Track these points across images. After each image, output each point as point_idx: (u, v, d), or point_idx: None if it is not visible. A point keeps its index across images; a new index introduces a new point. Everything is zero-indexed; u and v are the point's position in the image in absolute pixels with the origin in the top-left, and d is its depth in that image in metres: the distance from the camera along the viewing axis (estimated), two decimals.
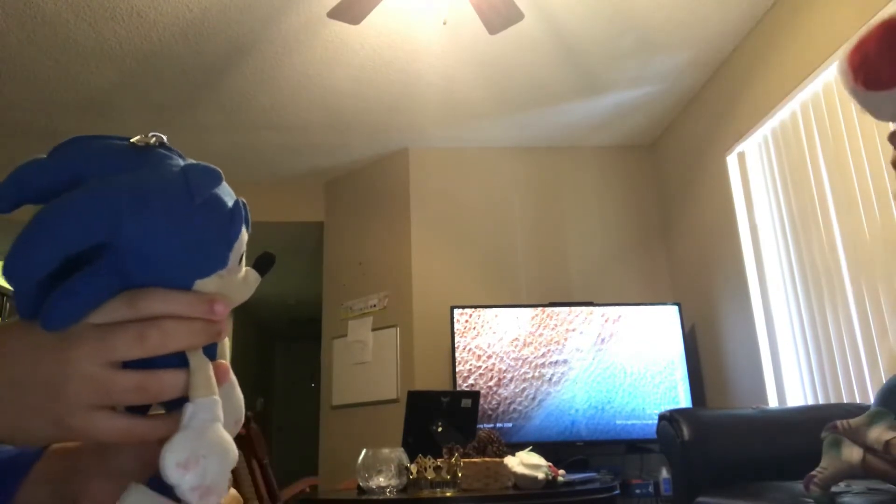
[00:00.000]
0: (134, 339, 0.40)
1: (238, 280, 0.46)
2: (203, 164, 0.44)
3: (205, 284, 0.43)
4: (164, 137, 0.45)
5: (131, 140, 0.44)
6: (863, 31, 0.98)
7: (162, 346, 0.41)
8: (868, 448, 1.54)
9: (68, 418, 0.40)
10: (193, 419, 0.42)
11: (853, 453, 1.55)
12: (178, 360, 0.43)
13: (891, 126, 1.02)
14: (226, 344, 0.51)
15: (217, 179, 0.44)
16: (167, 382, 0.42)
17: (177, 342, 0.42)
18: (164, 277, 0.42)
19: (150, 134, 0.44)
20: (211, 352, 0.45)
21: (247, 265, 0.48)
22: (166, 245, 0.41)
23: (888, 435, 1.51)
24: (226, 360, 0.47)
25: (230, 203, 0.44)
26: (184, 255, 0.42)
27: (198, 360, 0.43)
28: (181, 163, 0.44)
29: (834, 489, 1.63)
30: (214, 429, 0.43)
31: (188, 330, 0.42)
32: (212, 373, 0.44)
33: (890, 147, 1.03)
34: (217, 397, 0.44)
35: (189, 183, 0.42)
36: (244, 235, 0.45)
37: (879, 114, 0.98)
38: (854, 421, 1.60)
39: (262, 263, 0.49)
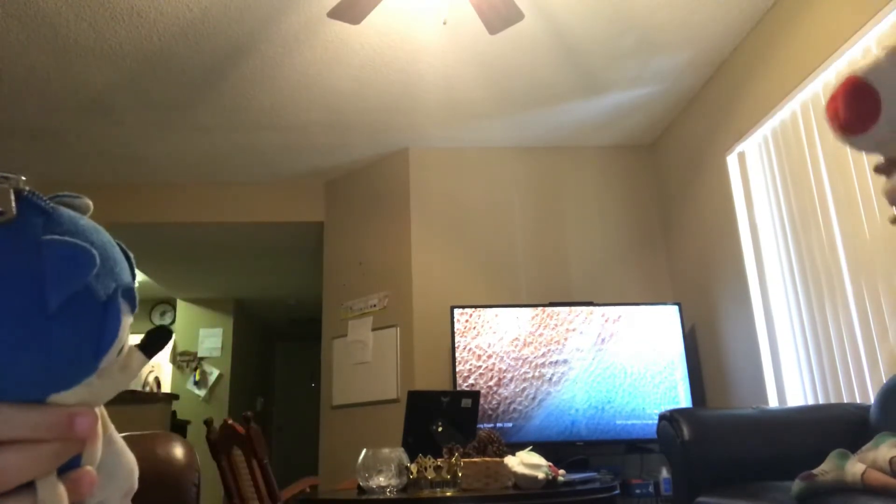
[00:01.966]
0: None
1: (114, 374, 0.36)
2: (67, 246, 0.33)
3: (65, 397, 0.34)
4: (21, 180, 0.33)
5: None
6: (834, 82, 1.09)
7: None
8: (873, 465, 1.59)
9: None
10: None
11: (856, 467, 1.60)
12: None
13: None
14: (97, 447, 0.38)
15: (84, 268, 0.33)
16: None
17: (19, 476, 0.32)
18: (9, 393, 0.32)
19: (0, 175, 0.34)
20: (74, 461, 0.35)
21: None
22: (12, 363, 0.31)
23: (893, 452, 1.56)
24: (92, 467, 0.37)
25: (104, 294, 0.34)
26: (37, 374, 0.32)
27: (47, 489, 0.33)
28: (36, 237, 0.32)
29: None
30: None
31: (34, 458, 0.33)
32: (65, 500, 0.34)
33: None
34: None
35: (44, 281, 0.31)
36: (123, 332, 0.36)
37: (864, 151, 1.09)
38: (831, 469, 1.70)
39: (152, 342, 0.39)
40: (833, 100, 1.15)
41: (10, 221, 0.32)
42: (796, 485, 1.70)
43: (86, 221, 0.38)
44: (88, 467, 0.36)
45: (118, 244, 0.41)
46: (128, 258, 0.39)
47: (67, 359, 0.33)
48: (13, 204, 0.32)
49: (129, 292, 0.36)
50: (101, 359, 0.34)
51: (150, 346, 0.38)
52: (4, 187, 0.32)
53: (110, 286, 0.34)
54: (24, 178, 0.33)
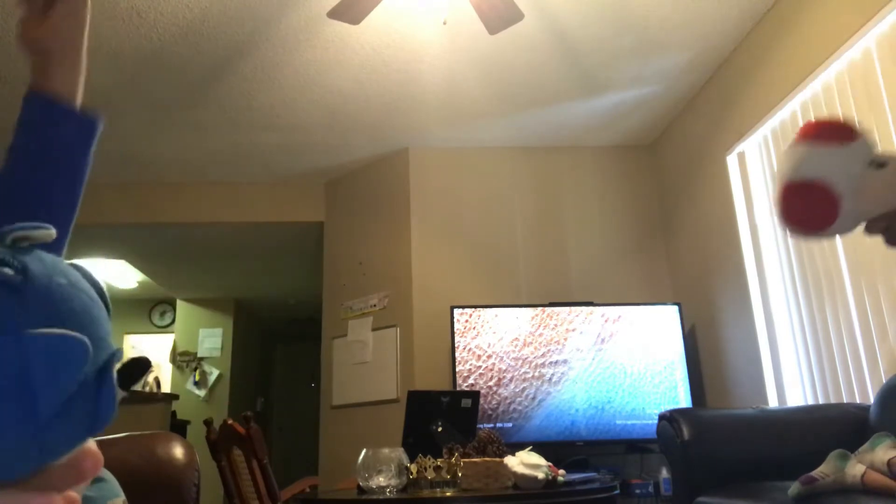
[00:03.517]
0: None
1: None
2: (56, 341, 0.28)
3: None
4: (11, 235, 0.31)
5: None
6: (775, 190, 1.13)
7: None
8: (871, 466, 1.59)
9: None
10: None
11: (856, 468, 1.60)
12: None
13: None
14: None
15: (78, 364, 0.29)
16: None
17: None
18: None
19: None
20: None
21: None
22: (5, 470, 0.28)
23: (891, 454, 1.56)
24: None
25: (96, 377, 0.31)
26: (32, 467, 0.29)
27: None
28: (17, 331, 0.28)
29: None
30: None
31: None
32: None
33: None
34: None
35: (33, 387, 0.27)
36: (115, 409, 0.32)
37: (833, 236, 1.12)
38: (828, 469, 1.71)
39: (129, 374, 0.34)
40: (776, 208, 1.15)
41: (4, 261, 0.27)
42: (794, 487, 1.70)
43: (59, 274, 0.33)
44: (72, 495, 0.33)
45: (85, 274, 0.36)
46: (99, 291, 0.35)
47: (61, 451, 0.30)
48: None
49: (118, 355, 0.32)
50: (95, 434, 0.31)
51: (127, 378, 0.34)
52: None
53: (100, 360, 0.30)
54: None
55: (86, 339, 0.29)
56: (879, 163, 1.04)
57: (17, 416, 0.27)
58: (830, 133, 1.06)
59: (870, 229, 1.08)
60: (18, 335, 0.27)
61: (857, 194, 1.05)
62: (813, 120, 1.14)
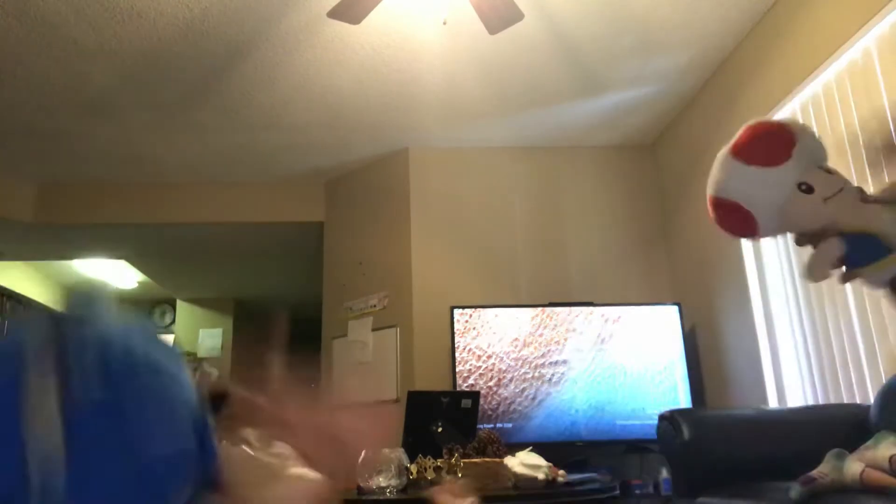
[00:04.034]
0: None
1: None
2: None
3: None
4: None
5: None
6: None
7: None
8: (870, 465, 1.59)
9: None
10: None
11: (855, 467, 1.60)
12: None
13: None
14: None
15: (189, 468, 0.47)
16: None
17: None
18: None
19: None
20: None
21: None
22: None
23: (893, 450, 1.56)
24: None
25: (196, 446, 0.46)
26: None
27: None
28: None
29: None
30: None
31: None
32: None
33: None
34: None
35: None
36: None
37: (764, 239, 1.25)
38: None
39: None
40: (716, 220, 1.24)
41: None
42: (795, 490, 1.70)
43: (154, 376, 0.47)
44: None
45: (151, 332, 0.50)
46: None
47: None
48: None
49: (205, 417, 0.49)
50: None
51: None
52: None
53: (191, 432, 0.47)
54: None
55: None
56: (807, 187, 1.10)
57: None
58: (762, 155, 1.12)
59: (798, 242, 1.15)
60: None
61: (780, 214, 1.12)
62: (754, 129, 1.17)
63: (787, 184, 1.13)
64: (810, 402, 2.89)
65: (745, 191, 1.16)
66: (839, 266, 1.13)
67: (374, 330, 4.19)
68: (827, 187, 1.12)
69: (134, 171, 4.58)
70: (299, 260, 5.85)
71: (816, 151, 1.18)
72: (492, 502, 2.00)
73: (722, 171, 1.18)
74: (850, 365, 2.60)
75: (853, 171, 2.53)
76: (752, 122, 1.22)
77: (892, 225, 1.09)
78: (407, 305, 4.07)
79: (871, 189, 1.30)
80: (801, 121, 2.89)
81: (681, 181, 4.04)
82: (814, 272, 1.13)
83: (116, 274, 6.60)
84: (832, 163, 1.27)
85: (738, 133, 1.21)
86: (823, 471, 1.67)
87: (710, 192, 1.20)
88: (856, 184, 1.21)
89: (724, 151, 1.19)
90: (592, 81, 3.64)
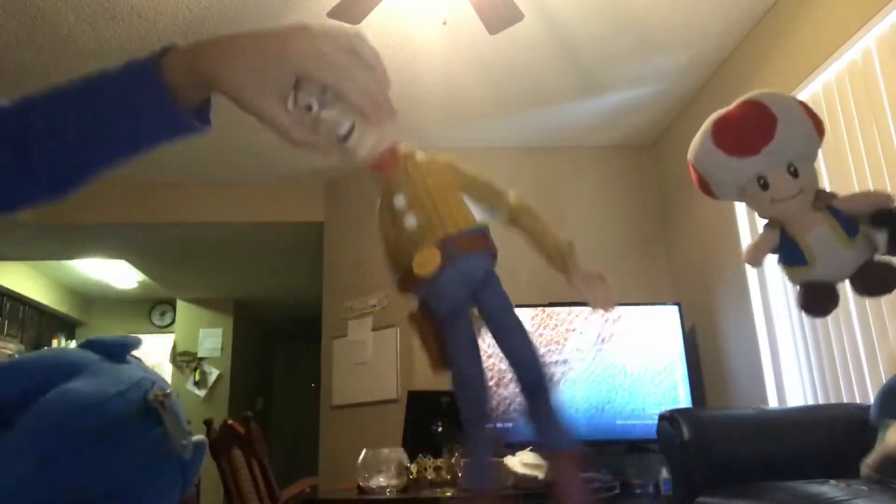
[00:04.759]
0: None
1: None
2: (197, 446, 0.64)
3: None
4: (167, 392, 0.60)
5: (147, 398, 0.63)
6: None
7: None
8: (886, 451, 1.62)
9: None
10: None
11: (892, 435, 1.64)
12: None
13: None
14: None
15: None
16: None
17: None
18: None
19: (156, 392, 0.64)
20: None
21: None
22: None
23: None
24: None
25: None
26: None
27: None
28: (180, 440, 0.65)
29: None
30: None
31: None
32: None
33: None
34: None
35: (185, 476, 0.60)
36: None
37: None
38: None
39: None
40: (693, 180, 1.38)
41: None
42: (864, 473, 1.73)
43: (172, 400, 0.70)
44: None
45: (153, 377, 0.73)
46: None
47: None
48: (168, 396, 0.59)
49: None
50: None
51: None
52: (187, 444, 0.67)
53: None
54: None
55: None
56: (763, 183, 1.18)
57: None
58: (732, 143, 1.20)
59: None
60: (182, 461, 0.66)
61: (740, 194, 1.21)
62: (742, 108, 1.20)
63: (747, 175, 1.22)
64: (810, 402, 2.89)
65: (709, 168, 1.29)
66: (772, 254, 1.24)
67: (374, 330, 4.19)
68: (780, 190, 1.18)
69: (134, 171, 4.57)
70: (299, 260, 5.85)
71: (799, 146, 1.19)
72: None
73: (698, 142, 1.28)
74: (850, 365, 2.60)
75: (853, 171, 2.53)
76: (752, 94, 1.23)
77: (820, 240, 1.15)
78: (407, 305, 4.05)
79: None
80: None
81: (681, 181, 4.04)
82: (748, 256, 1.26)
83: (116, 274, 6.60)
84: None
85: (735, 103, 1.23)
86: (875, 449, 1.71)
87: (689, 157, 1.32)
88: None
89: (712, 118, 1.24)
90: (592, 81, 3.64)
